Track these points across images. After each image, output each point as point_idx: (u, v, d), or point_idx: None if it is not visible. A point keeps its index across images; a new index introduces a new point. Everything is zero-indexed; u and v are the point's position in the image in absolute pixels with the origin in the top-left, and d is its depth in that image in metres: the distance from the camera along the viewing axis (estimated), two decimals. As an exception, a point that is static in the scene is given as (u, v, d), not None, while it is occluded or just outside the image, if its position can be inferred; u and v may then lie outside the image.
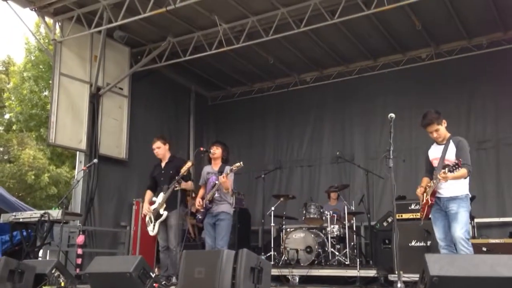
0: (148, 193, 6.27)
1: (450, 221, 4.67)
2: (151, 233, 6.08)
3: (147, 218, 6.13)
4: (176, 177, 5.81)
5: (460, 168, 4.42)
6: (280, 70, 10.12)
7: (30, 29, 10.98)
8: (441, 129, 4.82)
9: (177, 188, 5.79)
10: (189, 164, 5.83)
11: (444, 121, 4.86)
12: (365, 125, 9.54)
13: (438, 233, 4.79)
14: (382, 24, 8.19)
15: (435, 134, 4.82)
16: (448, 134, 4.87)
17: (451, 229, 4.63)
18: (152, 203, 6.16)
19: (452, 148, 4.73)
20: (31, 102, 16.11)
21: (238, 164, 5.61)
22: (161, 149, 6.25)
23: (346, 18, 7.31)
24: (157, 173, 6.27)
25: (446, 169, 4.43)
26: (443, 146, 4.82)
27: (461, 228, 4.54)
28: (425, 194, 4.80)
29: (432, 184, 4.70)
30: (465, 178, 4.67)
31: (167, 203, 5.90)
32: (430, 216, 4.85)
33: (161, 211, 5.93)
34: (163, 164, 6.28)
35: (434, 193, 4.70)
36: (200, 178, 6.19)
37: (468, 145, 4.78)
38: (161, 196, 5.98)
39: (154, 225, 6.01)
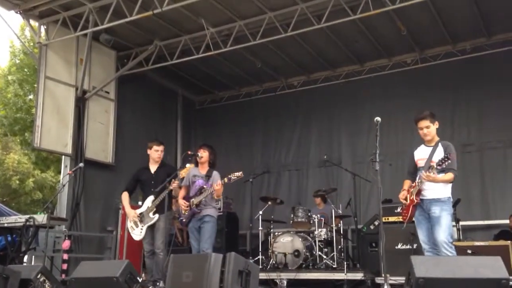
0: (127, 196, 6.16)
1: (432, 224, 4.70)
2: (137, 238, 6.02)
3: (130, 223, 6.06)
4: (168, 179, 5.78)
5: (446, 171, 4.50)
6: (268, 74, 10.16)
7: (15, 32, 10.90)
8: (432, 128, 4.83)
9: (169, 188, 5.76)
10: (188, 166, 5.79)
11: (437, 122, 4.87)
12: (352, 129, 9.61)
13: (422, 236, 4.81)
14: (368, 29, 8.27)
15: (425, 130, 4.83)
16: (437, 138, 4.90)
17: (434, 233, 4.65)
18: (136, 207, 6.11)
19: (440, 151, 4.75)
20: (15, 106, 15.94)
21: (238, 174, 5.56)
22: (162, 154, 6.24)
23: (332, 23, 7.37)
24: (146, 177, 6.16)
25: (435, 163, 4.48)
26: (431, 148, 4.84)
27: (443, 231, 4.57)
28: (409, 195, 4.82)
29: (416, 184, 4.74)
30: (451, 182, 4.71)
31: (157, 207, 5.86)
32: (413, 218, 4.87)
33: (151, 214, 5.88)
34: (152, 169, 6.20)
35: (419, 193, 4.73)
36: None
37: (455, 151, 4.81)
38: (150, 199, 5.92)
39: (141, 229, 5.95)
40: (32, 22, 8.27)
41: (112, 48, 8.87)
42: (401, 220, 6.35)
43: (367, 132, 9.11)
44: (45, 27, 8.00)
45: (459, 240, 6.75)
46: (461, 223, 7.07)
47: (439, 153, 4.73)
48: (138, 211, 5.99)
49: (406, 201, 4.85)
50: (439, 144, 4.83)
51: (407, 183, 4.97)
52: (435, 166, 4.50)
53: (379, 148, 4.69)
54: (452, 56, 8.79)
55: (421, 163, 4.85)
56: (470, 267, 3.50)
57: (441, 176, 4.59)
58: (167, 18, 7.94)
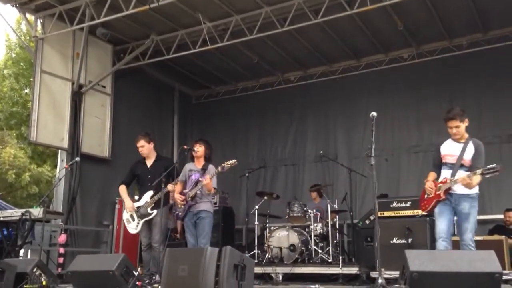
0: (124, 188, 6.18)
1: (460, 220, 4.68)
2: (133, 231, 6.06)
3: (126, 215, 6.08)
4: (171, 182, 5.81)
5: (474, 170, 4.53)
6: (264, 69, 10.15)
7: (10, 25, 10.84)
8: (462, 127, 4.79)
9: (167, 189, 5.77)
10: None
11: (466, 120, 4.82)
12: (349, 124, 9.61)
13: (442, 226, 4.73)
14: (365, 24, 8.27)
15: (454, 130, 4.79)
16: (467, 135, 4.86)
17: (461, 229, 4.65)
18: (132, 201, 6.12)
19: (470, 149, 4.72)
20: (11, 100, 15.87)
21: (231, 162, 5.57)
22: (145, 148, 6.18)
23: (329, 17, 7.36)
24: (142, 171, 6.17)
25: (478, 171, 4.47)
26: (461, 145, 4.79)
27: (471, 230, 4.59)
28: (435, 189, 4.77)
29: (448, 181, 4.68)
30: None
31: (155, 202, 5.87)
32: (434, 210, 4.84)
33: (149, 210, 5.91)
34: (148, 163, 6.20)
35: (448, 190, 4.70)
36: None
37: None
38: (149, 195, 5.94)
39: (137, 224, 5.98)
40: (28, 15, 8.22)
41: (109, 42, 8.85)
42: (396, 215, 6.50)
43: (363, 127, 9.12)
44: (41, 20, 7.97)
45: (454, 234, 6.77)
46: (456, 217, 7.09)
47: (470, 151, 4.71)
48: (136, 204, 6.00)
49: (431, 194, 4.82)
50: (470, 141, 4.78)
51: (432, 175, 4.92)
52: (481, 172, 4.44)
53: (375, 143, 4.69)
54: (449, 51, 8.80)
55: (450, 159, 4.80)
56: (464, 261, 3.53)
57: (475, 179, 4.53)
58: (164, 12, 7.91)
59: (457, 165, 4.69)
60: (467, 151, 4.73)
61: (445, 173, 4.80)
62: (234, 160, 5.58)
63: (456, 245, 5.05)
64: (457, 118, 4.78)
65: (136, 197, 6.25)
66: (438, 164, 4.95)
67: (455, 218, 4.89)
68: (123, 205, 6.22)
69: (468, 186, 4.56)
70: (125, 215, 6.12)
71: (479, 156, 4.70)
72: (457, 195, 4.70)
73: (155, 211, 5.88)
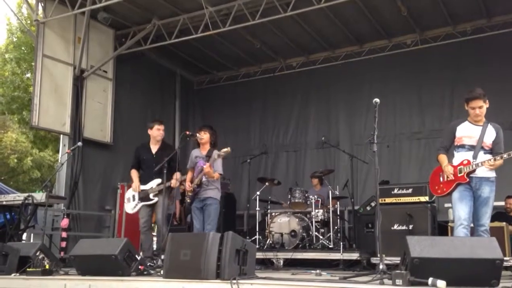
0: (136, 172, 6.18)
1: (479, 203, 4.58)
2: (130, 211, 6.12)
3: (128, 195, 6.14)
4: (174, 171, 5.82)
5: (495, 154, 4.50)
6: (267, 55, 10.10)
7: (12, 9, 10.77)
8: (484, 108, 4.65)
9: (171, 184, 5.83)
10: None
11: (487, 101, 4.67)
12: (351, 110, 9.59)
13: (464, 212, 4.57)
14: (368, 9, 8.21)
15: (477, 111, 4.63)
16: (484, 118, 4.73)
17: (480, 213, 4.56)
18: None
19: (491, 133, 4.62)
20: (13, 84, 15.84)
21: (225, 149, 5.57)
22: (162, 133, 6.23)
23: (332, 3, 7.28)
24: (147, 157, 6.15)
25: (497, 156, 4.44)
26: (479, 127, 4.67)
27: (489, 215, 4.54)
28: (457, 171, 4.66)
29: (471, 164, 4.58)
30: None
31: (160, 191, 5.91)
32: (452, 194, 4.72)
33: (151, 196, 5.94)
34: (154, 149, 6.18)
35: (470, 173, 4.60)
36: (187, 161, 6.17)
37: None
38: (156, 182, 5.96)
39: (136, 205, 6.01)
40: (29, -1, 8.18)
41: (110, 26, 8.80)
42: (397, 201, 6.50)
43: (365, 114, 9.11)
44: (42, 4, 7.91)
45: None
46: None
47: (490, 134, 4.62)
48: (142, 187, 6.01)
49: (450, 177, 4.69)
50: (489, 125, 4.67)
51: (444, 158, 4.79)
52: (505, 157, 4.42)
53: (377, 130, 4.68)
54: (452, 37, 8.75)
55: (466, 141, 4.68)
56: (465, 247, 3.53)
57: (498, 163, 4.49)
58: (166, -4, 7.86)
59: (478, 148, 4.58)
60: (487, 134, 4.62)
61: (464, 155, 4.66)
62: (228, 148, 5.57)
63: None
64: (482, 97, 4.62)
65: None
66: (448, 146, 4.82)
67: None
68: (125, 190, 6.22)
69: (493, 168, 4.51)
70: (128, 194, 6.17)
71: (501, 140, 4.62)
72: (478, 178, 4.59)
73: (156, 198, 5.92)
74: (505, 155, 4.46)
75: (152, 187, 5.98)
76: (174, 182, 5.87)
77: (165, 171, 5.72)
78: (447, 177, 4.70)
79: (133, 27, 8.94)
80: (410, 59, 9.08)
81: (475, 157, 4.59)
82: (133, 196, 6.08)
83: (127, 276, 4.42)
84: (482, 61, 8.43)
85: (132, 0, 7.45)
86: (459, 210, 4.59)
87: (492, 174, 4.62)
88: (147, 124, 6.38)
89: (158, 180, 5.95)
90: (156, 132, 6.20)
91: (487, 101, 4.66)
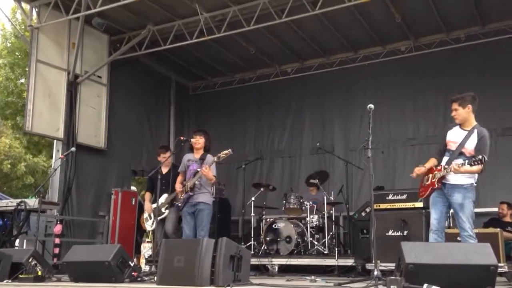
0: (149, 194, 7.21)
1: (454, 210, 4.59)
2: (149, 228, 7.22)
3: (145, 215, 7.23)
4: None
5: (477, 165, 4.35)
6: (262, 61, 10.11)
7: (6, 15, 10.74)
8: (460, 112, 4.67)
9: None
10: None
11: (469, 106, 4.67)
12: (345, 116, 9.61)
13: (434, 216, 4.66)
14: (362, 16, 8.24)
15: (453, 113, 4.71)
16: (475, 123, 4.71)
17: (458, 220, 4.53)
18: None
19: (474, 138, 4.58)
20: (6, 90, 15.74)
21: (226, 151, 5.56)
22: (171, 158, 7.10)
23: (327, 9, 7.31)
24: (157, 178, 6.62)
25: (466, 161, 4.37)
26: (465, 132, 4.66)
27: (467, 220, 4.44)
28: (431, 176, 4.70)
29: (442, 169, 4.58)
30: (478, 173, 4.55)
31: (169, 202, 6.74)
32: (429, 197, 4.78)
33: (163, 209, 6.74)
34: (164, 170, 6.87)
35: (442, 179, 4.60)
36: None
37: (489, 139, 4.65)
38: (164, 196, 6.73)
39: (153, 221, 6.92)
40: (23, 4, 8.15)
41: (105, 32, 8.77)
42: (392, 207, 6.52)
43: (360, 120, 9.12)
44: (36, 10, 7.88)
45: (449, 227, 6.81)
46: (451, 210, 7.12)
47: (473, 140, 4.57)
48: (154, 205, 6.86)
49: (429, 177, 4.74)
50: (475, 130, 4.63)
51: (432, 161, 4.79)
52: (466, 164, 4.35)
53: (372, 136, 4.68)
54: (446, 44, 8.79)
55: (452, 146, 4.68)
56: (459, 253, 3.54)
57: (469, 168, 4.40)
58: (161, 2, 7.85)
59: (456, 153, 4.57)
60: (470, 140, 4.59)
61: (444, 160, 4.69)
62: (229, 150, 5.58)
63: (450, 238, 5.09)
64: (457, 101, 4.69)
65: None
66: (443, 150, 4.81)
67: (451, 210, 4.85)
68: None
69: (464, 172, 4.44)
70: (145, 215, 7.27)
71: (482, 146, 4.53)
72: (450, 185, 4.58)
73: (167, 211, 6.73)
74: (466, 165, 4.36)
75: (162, 202, 6.65)
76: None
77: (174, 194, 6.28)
78: (426, 181, 4.79)
79: (128, 32, 8.92)
80: (404, 66, 9.11)
81: (448, 163, 4.59)
82: (149, 215, 7.12)
83: (120, 283, 4.40)
84: (476, 67, 8.48)
85: (126, 5, 7.42)
86: (431, 216, 4.72)
87: (467, 181, 4.55)
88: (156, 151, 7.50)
89: (165, 195, 6.65)
90: (163, 159, 7.01)
91: (468, 106, 4.68)
